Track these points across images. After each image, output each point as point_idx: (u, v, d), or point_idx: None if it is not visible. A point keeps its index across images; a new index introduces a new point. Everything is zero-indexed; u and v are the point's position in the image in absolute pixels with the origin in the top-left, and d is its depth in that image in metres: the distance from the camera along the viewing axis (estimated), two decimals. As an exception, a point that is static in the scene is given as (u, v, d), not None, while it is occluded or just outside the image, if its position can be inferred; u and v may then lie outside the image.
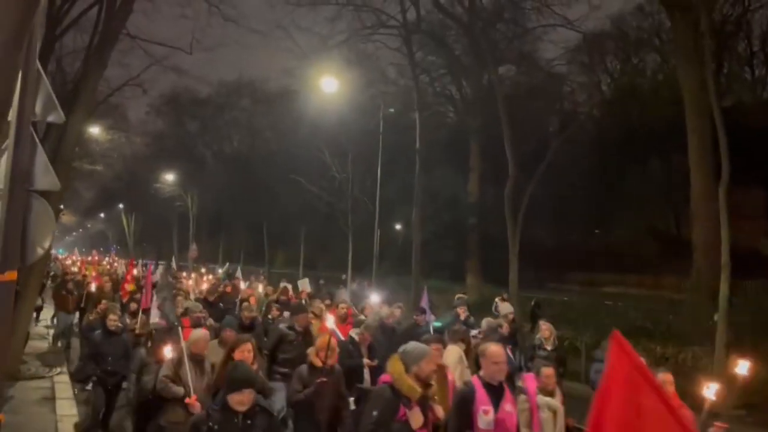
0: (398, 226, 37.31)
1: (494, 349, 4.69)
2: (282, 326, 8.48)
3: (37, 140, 3.81)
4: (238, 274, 23.36)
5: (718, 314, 13.31)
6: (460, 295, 16.92)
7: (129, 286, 14.94)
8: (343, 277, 29.34)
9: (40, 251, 3.77)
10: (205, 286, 16.46)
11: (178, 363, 5.85)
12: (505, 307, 13.05)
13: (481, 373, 4.68)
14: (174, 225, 55.39)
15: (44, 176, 3.86)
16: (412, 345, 4.57)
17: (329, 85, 23.92)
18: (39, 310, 19.08)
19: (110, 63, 13.88)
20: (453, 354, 6.75)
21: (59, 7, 14.60)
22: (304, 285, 17.28)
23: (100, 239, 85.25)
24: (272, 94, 45.95)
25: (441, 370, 5.41)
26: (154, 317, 8.59)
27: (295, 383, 6.09)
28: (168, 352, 6.00)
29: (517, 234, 21.26)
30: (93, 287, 15.23)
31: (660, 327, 17.97)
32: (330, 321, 6.46)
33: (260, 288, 16.76)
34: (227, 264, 23.25)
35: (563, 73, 32.66)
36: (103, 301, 10.76)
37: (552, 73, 31.78)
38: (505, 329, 9.86)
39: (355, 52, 31.94)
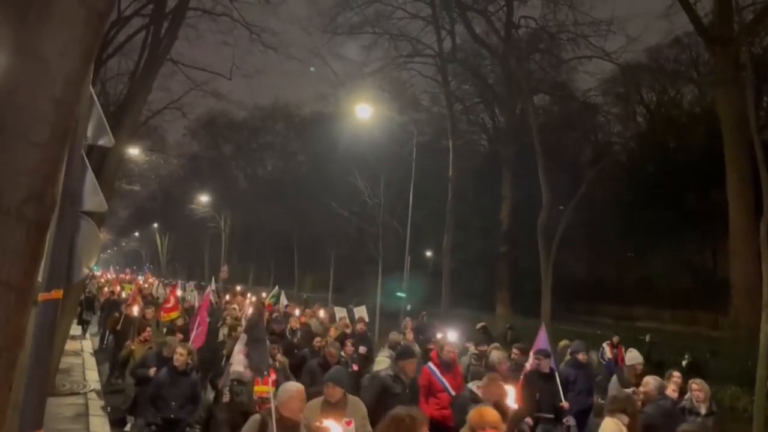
0: (428, 253, 37.17)
1: None
2: (384, 374, 6.59)
3: (87, 163, 3.91)
4: (284, 299, 20.59)
5: (759, 354, 12.90)
6: (482, 326, 16.20)
7: (173, 314, 13.53)
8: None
9: (86, 271, 3.84)
10: (250, 311, 14.71)
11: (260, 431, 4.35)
12: (633, 357, 8.67)
13: None
14: (206, 246, 56.10)
15: (93, 197, 3.94)
16: None
17: (363, 112, 24.14)
18: (87, 323, 19.58)
19: (152, 87, 14.29)
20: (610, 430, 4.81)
21: (106, 32, 15.10)
22: (362, 313, 14.66)
23: (134, 257, 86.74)
24: (306, 119, 46.70)
25: None
26: (238, 365, 6.47)
27: None
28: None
29: (550, 264, 21.01)
30: (135, 310, 13.27)
31: (696, 365, 17.48)
32: (511, 397, 4.56)
33: (321, 314, 15.03)
34: (276, 287, 21.06)
35: (598, 104, 32.50)
36: (147, 329, 9.74)
37: (587, 103, 31.63)
38: (672, 391, 6.90)
39: (389, 79, 32.35)
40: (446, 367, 7.11)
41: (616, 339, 14.95)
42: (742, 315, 17.35)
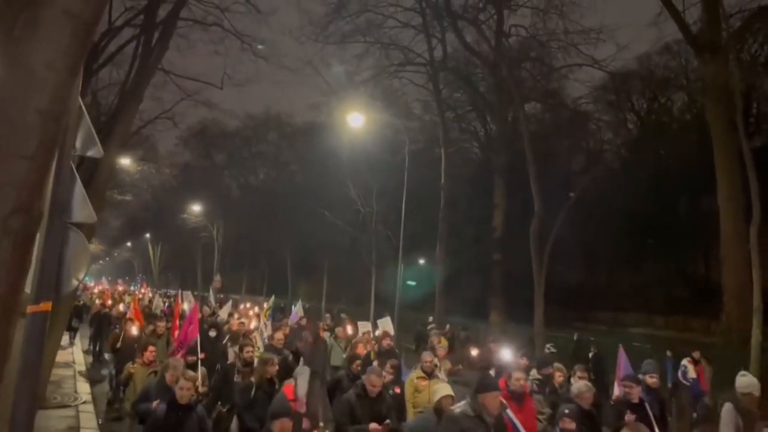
0: (421, 261, 37.18)
1: None
2: (461, 412, 5.14)
3: (76, 174, 3.90)
4: (298, 309, 18.29)
5: (751, 358, 12.98)
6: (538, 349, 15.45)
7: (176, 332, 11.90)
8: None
9: (75, 282, 3.82)
10: (253, 324, 13.31)
11: None
12: (749, 383, 6.94)
13: None
14: (198, 255, 55.94)
15: (81, 209, 3.93)
16: None
17: (355, 120, 24.13)
18: (76, 330, 19.43)
19: (143, 97, 14.28)
20: None
21: (97, 43, 15.08)
22: (387, 326, 13.35)
23: (126, 268, 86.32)
24: (298, 129, 46.75)
25: None
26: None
27: None
28: None
29: (542, 272, 21.03)
30: (135, 329, 11.85)
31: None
32: None
33: (349, 331, 13.25)
34: (272, 297, 19.50)
35: (589, 111, 32.66)
36: (150, 348, 8.43)
37: (578, 111, 31.79)
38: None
39: (381, 88, 32.42)
40: (516, 400, 5.95)
41: (697, 354, 12.98)
42: (734, 320, 17.40)
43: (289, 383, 5.93)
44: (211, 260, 49.79)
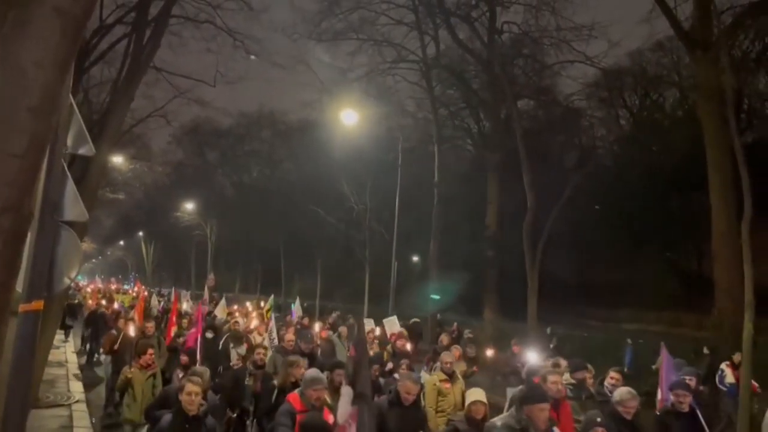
0: (415, 258, 37.19)
1: None
2: (503, 422, 4.68)
3: (67, 172, 3.88)
4: (296, 308, 17.62)
5: (742, 355, 13.01)
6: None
7: (173, 329, 11.93)
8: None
9: (67, 281, 3.81)
10: (253, 324, 13.14)
11: None
12: None
13: None
14: (192, 254, 55.81)
15: (73, 207, 3.91)
16: None
17: (348, 118, 24.10)
18: (70, 328, 19.41)
19: (136, 95, 14.22)
20: None
21: (88, 40, 15.01)
22: (393, 326, 13.15)
23: (119, 266, 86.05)
24: (292, 126, 46.62)
25: None
26: None
27: None
28: None
29: (535, 268, 21.08)
30: (132, 330, 11.30)
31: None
32: None
33: (345, 332, 12.40)
34: (272, 296, 19.56)
35: (582, 108, 32.72)
36: (149, 351, 7.93)
37: (570, 107, 31.82)
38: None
39: (374, 85, 32.36)
40: (552, 406, 5.26)
41: (737, 358, 11.94)
42: (726, 316, 17.47)
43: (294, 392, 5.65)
44: (205, 258, 49.68)
